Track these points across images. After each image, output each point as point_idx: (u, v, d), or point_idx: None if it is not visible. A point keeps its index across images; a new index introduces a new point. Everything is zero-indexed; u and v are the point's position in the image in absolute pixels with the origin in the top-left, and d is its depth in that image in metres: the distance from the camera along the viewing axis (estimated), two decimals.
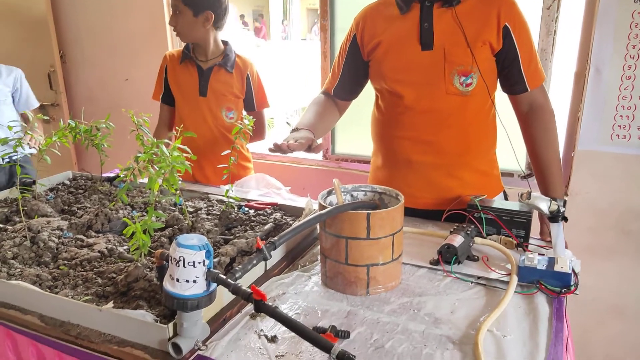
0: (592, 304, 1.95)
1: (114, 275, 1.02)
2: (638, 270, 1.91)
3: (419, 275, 1.17)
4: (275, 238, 0.89)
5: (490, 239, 1.26)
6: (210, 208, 1.39)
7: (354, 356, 0.67)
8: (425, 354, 0.89)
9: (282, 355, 0.89)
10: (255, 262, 0.83)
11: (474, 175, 1.45)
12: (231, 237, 1.21)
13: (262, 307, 0.73)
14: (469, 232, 1.23)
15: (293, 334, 0.95)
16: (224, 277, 0.79)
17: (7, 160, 2.15)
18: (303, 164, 2.56)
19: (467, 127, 1.40)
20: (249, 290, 0.76)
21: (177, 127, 1.25)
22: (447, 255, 1.17)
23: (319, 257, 1.26)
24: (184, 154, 1.13)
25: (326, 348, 0.67)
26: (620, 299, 1.94)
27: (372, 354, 0.89)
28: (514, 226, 1.28)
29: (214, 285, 0.82)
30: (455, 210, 1.36)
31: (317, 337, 0.68)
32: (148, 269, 1.03)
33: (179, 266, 0.79)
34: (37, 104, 2.57)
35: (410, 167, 1.44)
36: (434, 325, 0.98)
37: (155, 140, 1.13)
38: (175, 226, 1.22)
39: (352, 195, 1.22)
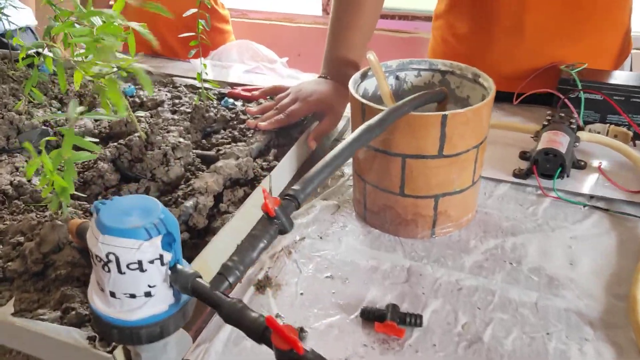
0: None
1: (21, 238, 0.61)
2: None
3: (500, 195, 0.78)
4: (297, 187, 0.46)
5: (593, 131, 0.86)
6: (177, 101, 0.93)
7: None
8: (554, 350, 0.54)
9: None
10: (264, 243, 0.42)
11: (602, 34, 0.99)
12: (212, 151, 0.78)
13: None
14: (572, 124, 0.81)
15: (327, 321, 0.59)
16: (205, 283, 0.38)
17: None
18: (297, 22, 1.99)
19: None
20: (258, 315, 0.36)
21: None
22: (548, 167, 0.77)
23: (345, 172, 0.85)
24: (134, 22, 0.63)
25: None
26: None
27: (465, 356, 0.54)
28: (631, 110, 0.86)
29: (186, 296, 0.42)
30: (540, 91, 0.92)
31: None
32: None
33: (110, 271, 0.38)
34: None
35: (521, 29, 0.96)
36: (550, 290, 0.61)
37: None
38: (121, 141, 0.77)
39: (397, 78, 0.77)
